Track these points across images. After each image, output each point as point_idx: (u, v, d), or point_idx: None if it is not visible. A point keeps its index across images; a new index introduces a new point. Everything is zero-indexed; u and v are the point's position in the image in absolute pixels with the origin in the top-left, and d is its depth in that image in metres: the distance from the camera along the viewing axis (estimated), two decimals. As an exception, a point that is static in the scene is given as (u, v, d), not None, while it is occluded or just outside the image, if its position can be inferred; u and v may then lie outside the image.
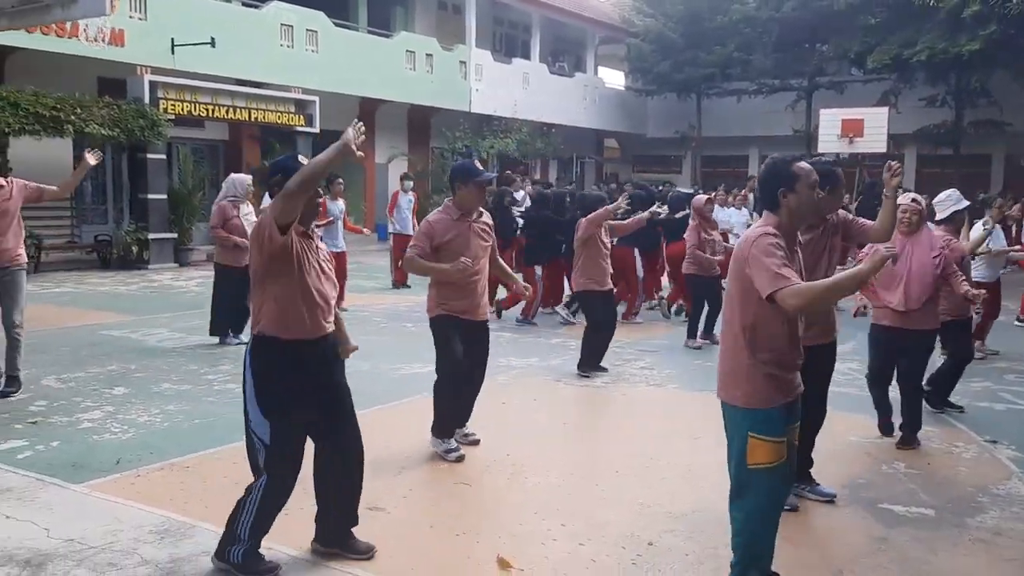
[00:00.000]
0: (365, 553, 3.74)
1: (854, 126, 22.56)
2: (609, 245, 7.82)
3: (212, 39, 16.33)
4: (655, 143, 31.47)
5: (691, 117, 28.44)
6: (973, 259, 8.06)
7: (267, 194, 3.85)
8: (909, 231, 5.47)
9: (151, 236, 15.83)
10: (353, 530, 3.81)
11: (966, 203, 6.29)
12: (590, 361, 7.61)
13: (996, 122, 23.50)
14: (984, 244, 8.10)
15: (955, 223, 6.26)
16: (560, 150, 26.60)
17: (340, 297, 10.67)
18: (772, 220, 3.26)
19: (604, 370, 7.62)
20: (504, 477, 4.90)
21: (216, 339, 8.68)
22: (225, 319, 8.69)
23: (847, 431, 5.78)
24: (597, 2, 30.67)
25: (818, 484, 4.61)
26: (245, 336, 8.66)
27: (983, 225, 7.97)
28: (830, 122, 22.99)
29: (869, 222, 4.65)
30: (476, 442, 5.43)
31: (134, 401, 6.35)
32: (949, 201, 6.22)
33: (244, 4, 18.87)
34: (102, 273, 15.03)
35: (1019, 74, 22.00)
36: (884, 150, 23.13)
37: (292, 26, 18.88)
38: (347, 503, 3.78)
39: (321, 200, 9.00)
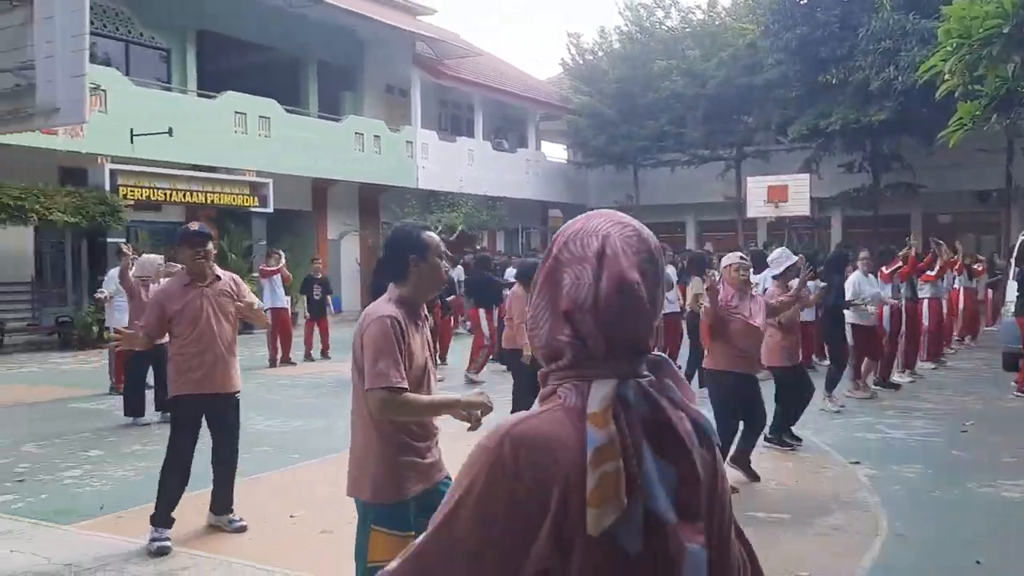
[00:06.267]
0: None
1: (779, 192, 24.18)
2: None
3: (170, 128, 17.30)
4: (598, 212, 32.72)
5: (629, 187, 29.93)
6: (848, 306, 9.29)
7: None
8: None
9: (111, 316, 16.44)
10: None
11: (795, 258, 7.22)
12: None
13: (910, 184, 25.22)
14: (860, 294, 9.33)
15: (787, 276, 7.21)
16: (505, 221, 27.82)
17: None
18: (395, 293, 3.02)
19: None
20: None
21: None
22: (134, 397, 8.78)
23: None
24: (536, 82, 32.37)
25: None
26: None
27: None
28: (757, 189, 24.61)
29: None
30: (242, 529, 5.08)
31: (109, 460, 7.09)
32: (783, 258, 7.23)
33: (199, 95, 19.93)
34: (62, 353, 15.61)
35: (924, 140, 23.79)
36: (808, 213, 24.76)
37: (245, 113, 19.94)
38: None
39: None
